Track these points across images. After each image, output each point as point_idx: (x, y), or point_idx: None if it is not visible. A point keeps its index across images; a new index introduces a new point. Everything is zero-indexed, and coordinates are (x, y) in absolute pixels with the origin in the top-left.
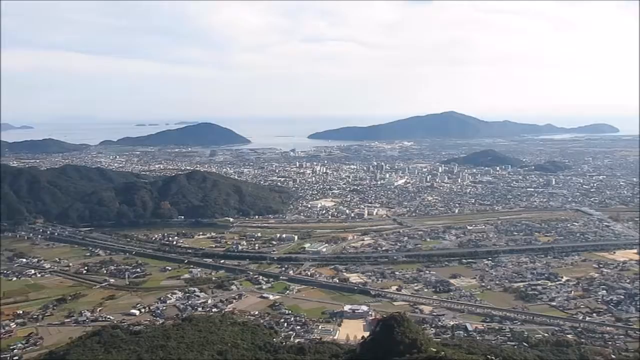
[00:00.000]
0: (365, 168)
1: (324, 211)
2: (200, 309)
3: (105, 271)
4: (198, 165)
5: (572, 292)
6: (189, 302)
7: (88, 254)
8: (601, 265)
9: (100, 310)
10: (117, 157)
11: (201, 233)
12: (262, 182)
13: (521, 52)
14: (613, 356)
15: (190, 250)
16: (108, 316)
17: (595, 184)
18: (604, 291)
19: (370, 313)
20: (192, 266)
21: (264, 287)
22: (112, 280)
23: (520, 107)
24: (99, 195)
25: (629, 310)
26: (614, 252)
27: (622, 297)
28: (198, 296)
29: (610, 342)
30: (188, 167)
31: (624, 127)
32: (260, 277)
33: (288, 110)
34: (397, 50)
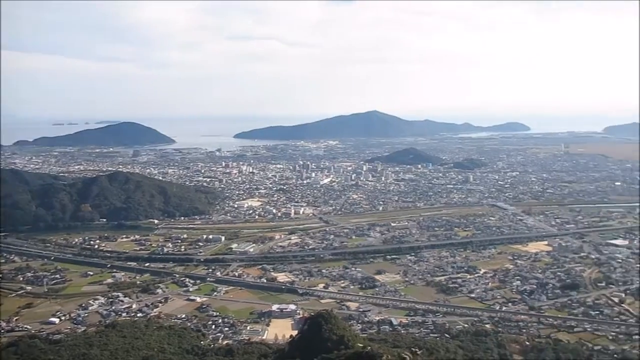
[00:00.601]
0: (291, 167)
1: (251, 211)
2: (124, 314)
3: (21, 278)
4: (120, 166)
5: (490, 283)
6: (113, 307)
7: (2, 260)
8: (515, 257)
9: (16, 320)
10: (34, 158)
11: (124, 236)
12: (187, 183)
13: (441, 53)
14: (527, 342)
15: (113, 254)
16: (25, 326)
17: (509, 180)
18: (519, 281)
19: (298, 312)
20: (115, 270)
21: (190, 289)
22: (29, 288)
23: (440, 106)
24: (13, 198)
25: (540, 299)
26: (527, 244)
27: (535, 286)
28: (122, 301)
29: (524, 330)
30: (110, 168)
31: (534, 125)
32: (187, 280)
33: (214, 109)
34: (322, 49)
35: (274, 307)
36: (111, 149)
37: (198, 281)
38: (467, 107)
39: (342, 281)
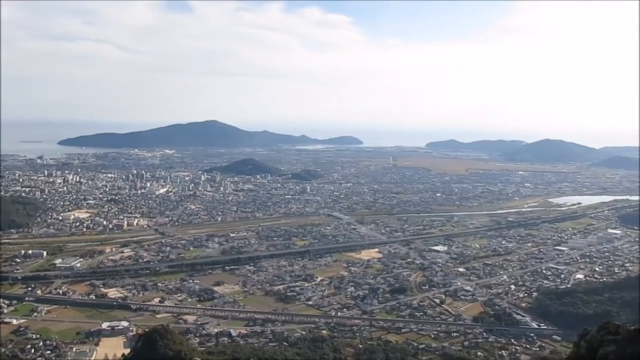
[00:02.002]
0: (124, 177)
1: (78, 223)
2: None
3: None
4: None
5: (326, 290)
6: None
7: None
8: (350, 264)
9: None
10: None
11: None
12: (2, 194)
13: (278, 66)
14: (360, 345)
15: None
16: None
17: (344, 191)
18: (353, 287)
19: (131, 328)
20: None
21: (5, 311)
22: None
23: (278, 118)
24: None
25: (372, 303)
26: (360, 252)
27: (367, 291)
28: None
29: (358, 333)
30: None
31: (366, 139)
32: (1, 301)
33: (36, 113)
34: (157, 56)
35: (104, 325)
36: None
37: (14, 301)
38: (304, 119)
39: (179, 294)
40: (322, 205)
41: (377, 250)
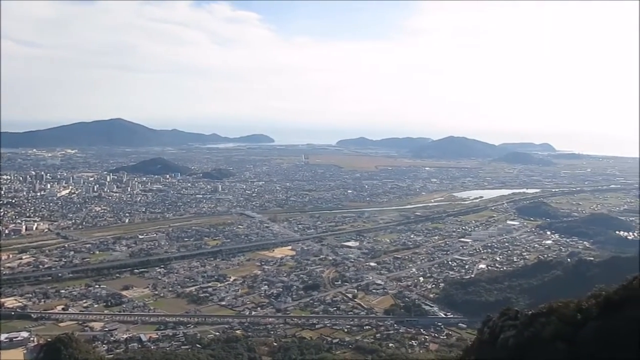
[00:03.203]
0: (21, 178)
1: None
2: None
3: None
4: None
5: (239, 290)
6: None
7: None
8: (263, 263)
9: None
10: None
11: None
12: None
13: (187, 63)
14: (275, 343)
15: None
16: None
17: (256, 190)
18: (266, 286)
19: (31, 339)
20: None
21: None
22: None
23: (188, 116)
24: None
25: (286, 301)
26: (273, 250)
27: (281, 289)
28: None
29: (272, 332)
30: None
31: (277, 137)
32: None
33: None
34: (60, 50)
35: (2, 337)
36: None
37: None
38: (215, 117)
39: (85, 300)
40: (234, 204)
41: (290, 247)
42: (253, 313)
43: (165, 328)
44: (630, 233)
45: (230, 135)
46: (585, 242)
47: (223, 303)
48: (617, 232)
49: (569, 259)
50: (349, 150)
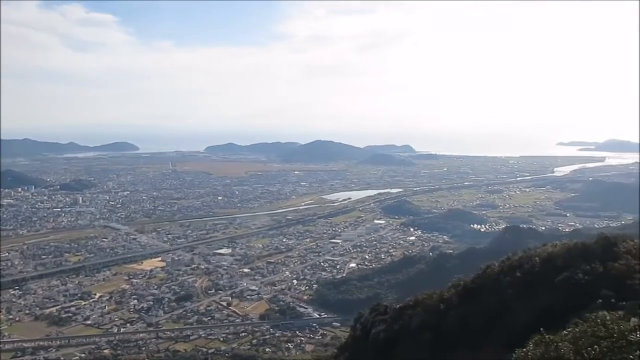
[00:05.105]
0: None
1: None
2: None
3: None
4: None
5: (106, 307)
6: None
7: None
8: (131, 277)
9: None
10: None
11: None
12: None
13: (37, 67)
14: (147, 359)
15: None
16: None
17: (121, 200)
18: (136, 300)
19: None
20: None
21: None
22: None
23: (42, 124)
24: None
25: (158, 314)
26: (142, 263)
27: (152, 303)
28: None
29: (144, 348)
30: None
31: (142, 145)
32: None
33: None
34: None
35: None
36: None
37: None
38: (73, 125)
39: None
40: (97, 217)
41: (160, 259)
42: (122, 330)
43: (23, 354)
44: (483, 226)
45: (91, 143)
46: (444, 237)
47: (88, 322)
48: (471, 225)
49: (430, 253)
50: (218, 156)
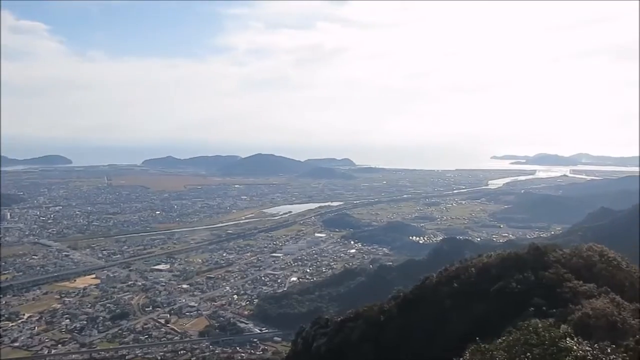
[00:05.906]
0: None
1: None
2: None
3: None
4: None
5: (36, 327)
6: None
7: None
8: (63, 295)
9: None
10: None
11: None
12: None
13: None
14: None
15: None
16: None
17: (52, 215)
18: (68, 320)
19: None
20: None
21: None
22: None
23: None
24: None
25: (92, 334)
26: (75, 280)
27: (85, 322)
28: None
29: None
30: None
31: (75, 158)
32: None
33: None
34: None
35: None
36: None
37: None
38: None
39: None
40: (26, 233)
41: (94, 276)
42: (53, 351)
43: None
44: (421, 238)
45: (19, 157)
46: (384, 249)
47: (16, 344)
48: (410, 237)
49: (371, 265)
50: (156, 170)
